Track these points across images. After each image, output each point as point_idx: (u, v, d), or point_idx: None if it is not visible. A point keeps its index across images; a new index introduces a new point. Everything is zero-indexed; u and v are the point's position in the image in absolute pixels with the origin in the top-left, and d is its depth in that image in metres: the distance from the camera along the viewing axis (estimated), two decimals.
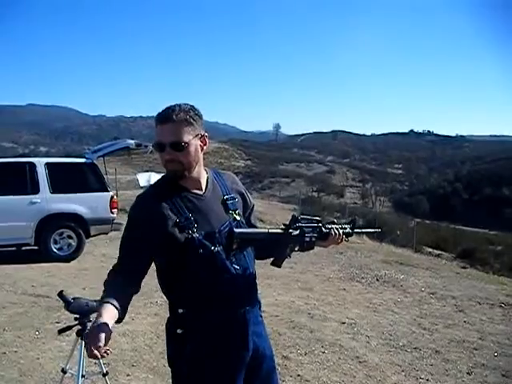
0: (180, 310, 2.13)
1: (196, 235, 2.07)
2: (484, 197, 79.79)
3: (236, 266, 2.14)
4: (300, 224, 2.23)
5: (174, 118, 2.07)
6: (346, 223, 2.48)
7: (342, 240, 2.38)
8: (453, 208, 75.46)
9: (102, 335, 1.80)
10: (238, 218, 2.24)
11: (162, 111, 2.10)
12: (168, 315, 2.23)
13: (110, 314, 1.92)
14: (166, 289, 2.21)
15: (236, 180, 2.41)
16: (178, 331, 2.13)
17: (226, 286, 2.11)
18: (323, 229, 2.32)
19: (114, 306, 1.95)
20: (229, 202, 2.25)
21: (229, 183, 2.33)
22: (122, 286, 2.05)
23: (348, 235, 2.42)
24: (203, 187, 2.22)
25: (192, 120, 2.11)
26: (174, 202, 2.11)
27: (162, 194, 2.14)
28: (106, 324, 1.86)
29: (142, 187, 28.79)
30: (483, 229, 52.41)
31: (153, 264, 2.17)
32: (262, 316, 2.35)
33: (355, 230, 2.49)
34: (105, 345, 1.79)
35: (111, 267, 2.12)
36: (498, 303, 8.28)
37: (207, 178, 2.26)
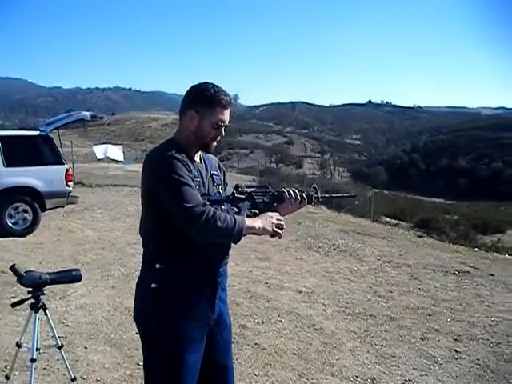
0: (157, 265, 2.24)
1: None
2: (441, 167, 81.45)
3: None
4: (245, 190, 2.39)
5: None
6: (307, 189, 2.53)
7: (303, 200, 2.43)
8: (410, 178, 76.81)
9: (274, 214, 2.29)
10: (221, 191, 2.43)
11: (225, 94, 2.30)
12: (139, 273, 2.38)
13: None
14: (148, 240, 2.32)
15: (218, 162, 2.60)
16: (153, 285, 2.24)
17: (207, 246, 2.22)
18: (275, 192, 2.41)
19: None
20: (215, 177, 2.45)
21: (213, 162, 2.54)
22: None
23: (310, 198, 2.46)
24: (200, 160, 2.43)
25: None
26: (187, 162, 2.24)
27: (179, 153, 2.24)
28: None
29: (99, 160, 28.35)
30: (440, 198, 53.59)
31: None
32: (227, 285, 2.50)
33: (326, 195, 2.60)
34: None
35: (196, 208, 2.10)
36: (451, 271, 8.53)
37: (200, 153, 2.45)
